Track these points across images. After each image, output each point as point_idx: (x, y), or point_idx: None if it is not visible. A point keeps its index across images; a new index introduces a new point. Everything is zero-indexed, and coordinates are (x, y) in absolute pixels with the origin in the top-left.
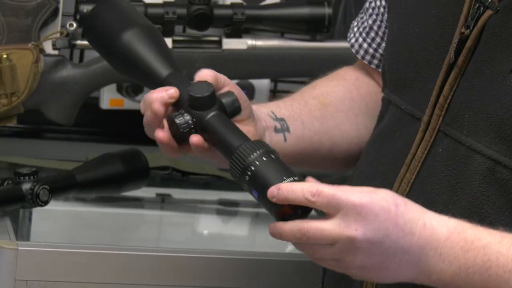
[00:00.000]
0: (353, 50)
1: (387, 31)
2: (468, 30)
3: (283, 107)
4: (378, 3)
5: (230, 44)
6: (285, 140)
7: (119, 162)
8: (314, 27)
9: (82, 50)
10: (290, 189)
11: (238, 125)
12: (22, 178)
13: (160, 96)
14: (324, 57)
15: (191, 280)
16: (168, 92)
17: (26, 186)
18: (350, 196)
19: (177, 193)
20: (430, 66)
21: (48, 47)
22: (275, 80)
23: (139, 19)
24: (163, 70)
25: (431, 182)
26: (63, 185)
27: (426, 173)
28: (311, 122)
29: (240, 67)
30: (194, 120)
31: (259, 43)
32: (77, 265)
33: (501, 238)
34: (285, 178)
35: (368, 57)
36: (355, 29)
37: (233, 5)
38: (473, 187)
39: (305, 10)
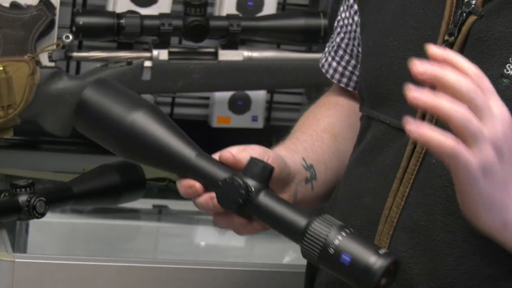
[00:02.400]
0: (323, 70)
1: (358, 48)
2: (452, 37)
3: (309, 150)
4: (346, 21)
5: (226, 55)
6: (312, 188)
7: (115, 174)
8: (310, 38)
9: (78, 62)
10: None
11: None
12: (18, 190)
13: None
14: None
15: None
16: (192, 190)
17: (22, 198)
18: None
19: (174, 205)
20: (412, 78)
21: (44, 59)
22: (271, 91)
23: (143, 100)
24: (188, 152)
25: (427, 193)
26: (60, 197)
27: (421, 185)
28: (331, 161)
29: (236, 78)
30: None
31: (255, 54)
32: (74, 277)
33: None
34: (378, 249)
35: (337, 76)
36: (326, 49)
37: (229, 17)
38: None
39: (301, 21)
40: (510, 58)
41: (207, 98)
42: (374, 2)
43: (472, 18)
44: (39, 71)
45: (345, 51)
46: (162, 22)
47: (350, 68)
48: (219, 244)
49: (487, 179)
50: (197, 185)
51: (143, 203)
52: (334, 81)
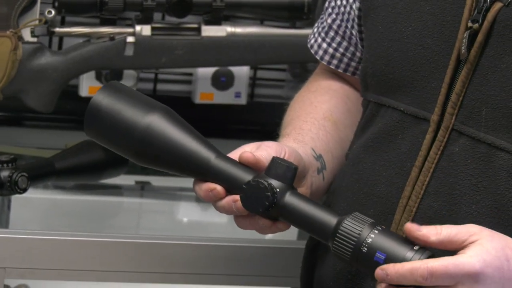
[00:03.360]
0: (312, 51)
1: (351, 30)
2: (476, 24)
3: (316, 140)
4: (339, 2)
5: (209, 31)
6: (323, 178)
7: (98, 150)
8: (294, 14)
9: (61, 37)
10: (399, 275)
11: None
12: (0, 165)
13: (208, 197)
14: (304, 44)
15: (170, 267)
16: (214, 193)
17: (4, 174)
18: (464, 267)
19: (157, 181)
20: (430, 64)
21: (26, 34)
22: (255, 67)
23: (157, 102)
24: (208, 154)
25: (449, 183)
26: (42, 173)
27: (442, 174)
28: (336, 150)
29: (220, 54)
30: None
31: (239, 30)
32: (55, 252)
33: None
34: (413, 246)
35: (327, 57)
36: (315, 29)
37: None
38: (498, 184)
39: None
40: None
41: (190, 74)
42: None
43: (497, 5)
44: (22, 46)
45: (336, 32)
46: None
47: (341, 49)
48: (201, 220)
49: None
50: (218, 188)
51: (126, 179)
52: (324, 62)
